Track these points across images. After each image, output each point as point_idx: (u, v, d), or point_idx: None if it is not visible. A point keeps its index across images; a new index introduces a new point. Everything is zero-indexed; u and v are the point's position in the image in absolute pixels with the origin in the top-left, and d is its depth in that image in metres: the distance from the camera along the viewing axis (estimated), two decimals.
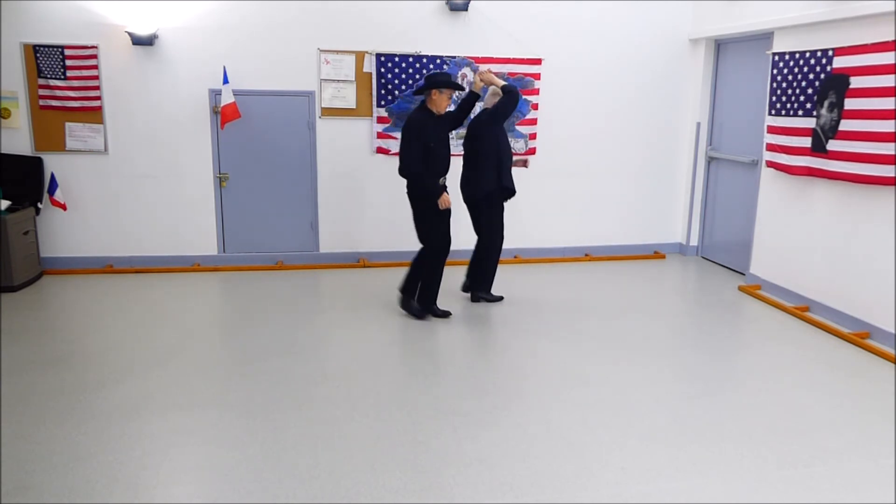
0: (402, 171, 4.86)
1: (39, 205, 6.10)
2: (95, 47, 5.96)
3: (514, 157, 5.48)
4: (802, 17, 5.26)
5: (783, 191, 5.67)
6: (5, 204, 5.72)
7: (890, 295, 4.64)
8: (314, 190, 6.55)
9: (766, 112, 5.71)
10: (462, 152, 5.34)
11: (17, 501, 2.81)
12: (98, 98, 6.04)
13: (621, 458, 3.21)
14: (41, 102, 5.99)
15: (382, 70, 6.35)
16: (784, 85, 5.46)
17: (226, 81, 5.99)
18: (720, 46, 6.74)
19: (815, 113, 5.13)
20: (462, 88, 5.06)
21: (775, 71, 5.58)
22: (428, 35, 6.39)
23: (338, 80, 6.35)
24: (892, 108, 4.45)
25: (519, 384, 4.05)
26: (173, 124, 6.22)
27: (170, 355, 4.38)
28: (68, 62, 5.94)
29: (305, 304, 5.57)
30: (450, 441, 3.33)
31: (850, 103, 4.78)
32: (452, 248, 5.08)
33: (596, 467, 3.12)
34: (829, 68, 4.98)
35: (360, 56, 6.33)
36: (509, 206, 5.40)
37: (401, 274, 6.29)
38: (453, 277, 5.69)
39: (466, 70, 6.45)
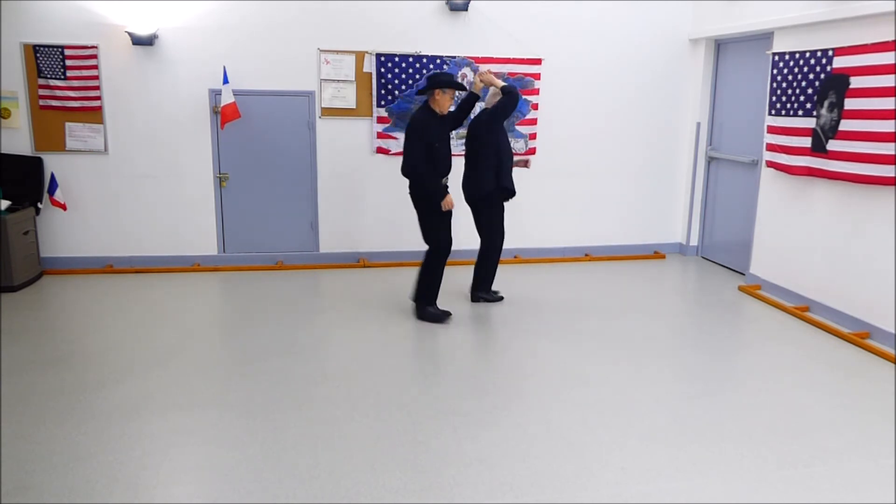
0: (406, 171, 4.86)
1: (39, 205, 6.10)
2: (95, 47, 5.96)
3: (515, 158, 5.47)
4: (802, 17, 5.26)
5: (783, 191, 5.67)
6: (5, 204, 5.72)
7: (890, 295, 4.64)
8: (314, 190, 6.55)
9: (766, 112, 5.71)
10: (463, 152, 5.35)
11: (17, 501, 2.81)
12: (98, 98, 6.04)
13: (621, 458, 3.21)
14: (41, 102, 5.99)
15: (382, 70, 6.35)
16: (784, 85, 5.46)
17: (226, 81, 5.99)
18: (720, 46, 6.74)
19: (815, 113, 5.13)
20: (464, 88, 5.07)
21: (775, 71, 5.58)
22: (428, 35, 6.39)
23: (338, 80, 6.35)
24: (892, 108, 4.45)
25: (519, 384, 4.06)
26: (173, 124, 6.22)
27: (170, 355, 4.38)
28: (68, 62, 5.94)
29: (305, 304, 5.57)
30: (450, 441, 3.33)
31: (850, 103, 4.78)
32: (453, 247, 5.07)
33: (596, 467, 3.12)
34: (829, 68, 4.98)
35: (360, 56, 6.33)
36: (509, 206, 5.40)
37: (401, 274, 6.32)
38: (454, 277, 5.69)
39: (466, 70, 6.45)
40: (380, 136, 6.49)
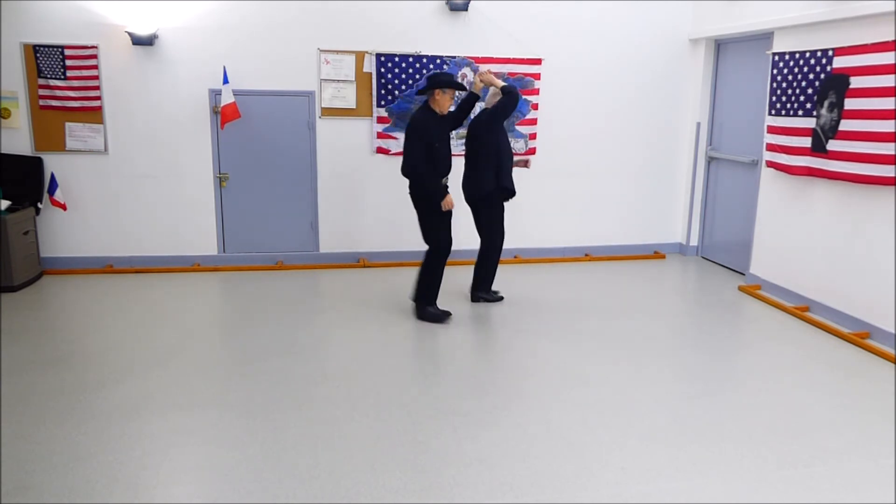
0: (407, 172, 4.86)
1: (39, 205, 6.10)
2: (95, 47, 5.96)
3: (516, 158, 5.47)
4: (802, 17, 5.26)
5: (783, 191, 5.67)
6: (5, 204, 5.72)
7: (890, 295, 4.64)
8: (314, 190, 6.55)
9: (766, 112, 5.71)
10: (463, 152, 5.35)
11: (17, 501, 2.81)
12: (98, 98, 6.04)
13: (621, 458, 3.21)
14: (41, 102, 5.99)
15: (382, 70, 6.35)
16: (784, 85, 5.46)
17: (226, 81, 5.99)
18: (720, 46, 6.74)
19: (815, 113, 5.13)
20: (465, 88, 5.07)
21: (775, 71, 5.58)
22: (428, 35, 6.39)
23: (338, 80, 6.35)
24: (892, 108, 4.45)
25: (519, 384, 4.06)
26: (173, 124, 6.22)
27: (170, 355, 4.38)
28: (68, 62, 5.94)
29: (305, 304, 5.57)
30: (450, 441, 3.33)
31: (850, 103, 4.78)
32: (453, 247, 5.07)
33: (596, 467, 3.12)
34: (829, 68, 4.98)
35: (360, 56, 6.33)
36: (509, 206, 5.40)
37: (401, 274, 6.33)
38: (454, 277, 5.69)
39: (466, 70, 6.46)
40: (380, 136, 6.49)
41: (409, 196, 5.00)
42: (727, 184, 6.74)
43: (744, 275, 6.34)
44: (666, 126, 7.07)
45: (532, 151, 6.78)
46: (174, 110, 6.19)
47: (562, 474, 3.06)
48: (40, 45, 5.88)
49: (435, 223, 4.91)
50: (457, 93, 5.18)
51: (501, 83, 5.07)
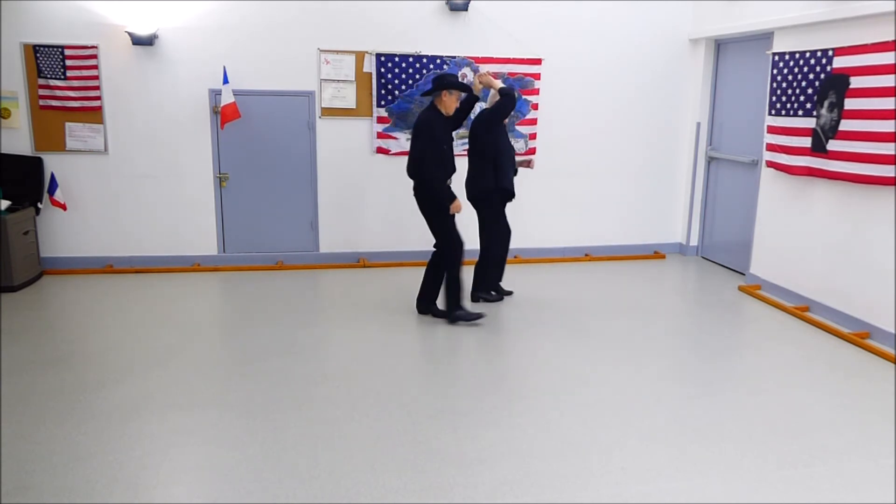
0: (414, 172, 4.84)
1: (39, 205, 6.10)
2: (95, 47, 5.96)
3: (519, 158, 5.48)
4: (802, 17, 5.26)
5: (783, 191, 5.67)
6: (5, 204, 5.72)
7: (890, 295, 4.64)
8: (314, 190, 6.55)
9: (766, 112, 5.71)
10: (464, 152, 5.35)
11: (17, 501, 2.81)
12: (98, 98, 6.04)
13: (621, 458, 3.21)
14: (41, 102, 5.99)
15: (382, 70, 6.35)
16: (784, 85, 5.46)
17: (226, 81, 5.99)
18: (720, 46, 6.74)
19: (815, 113, 5.13)
20: (471, 90, 5.07)
21: (775, 71, 5.58)
22: (428, 35, 6.40)
23: (338, 80, 6.35)
24: (892, 108, 4.45)
25: (519, 384, 4.06)
26: (173, 124, 6.22)
27: (170, 355, 4.38)
28: (68, 62, 5.94)
29: (305, 304, 5.57)
30: (450, 441, 3.33)
31: (850, 103, 4.78)
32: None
33: (596, 467, 3.12)
34: (829, 68, 4.98)
35: (360, 56, 6.33)
36: (509, 205, 5.40)
37: (401, 274, 6.33)
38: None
39: (466, 70, 6.46)
40: (380, 136, 6.49)
41: (413, 198, 4.97)
42: (727, 184, 6.74)
43: (744, 275, 6.34)
44: (666, 126, 7.07)
45: (532, 151, 6.78)
46: (174, 110, 6.20)
47: (562, 474, 3.06)
48: (40, 45, 5.89)
49: (443, 224, 4.89)
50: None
51: (500, 84, 5.07)
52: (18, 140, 6.03)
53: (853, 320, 4.94)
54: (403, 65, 6.38)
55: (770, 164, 5.71)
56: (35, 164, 6.05)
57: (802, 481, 3.04)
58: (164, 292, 5.76)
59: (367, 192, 6.62)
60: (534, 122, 6.75)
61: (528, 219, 6.79)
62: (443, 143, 4.78)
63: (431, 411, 3.65)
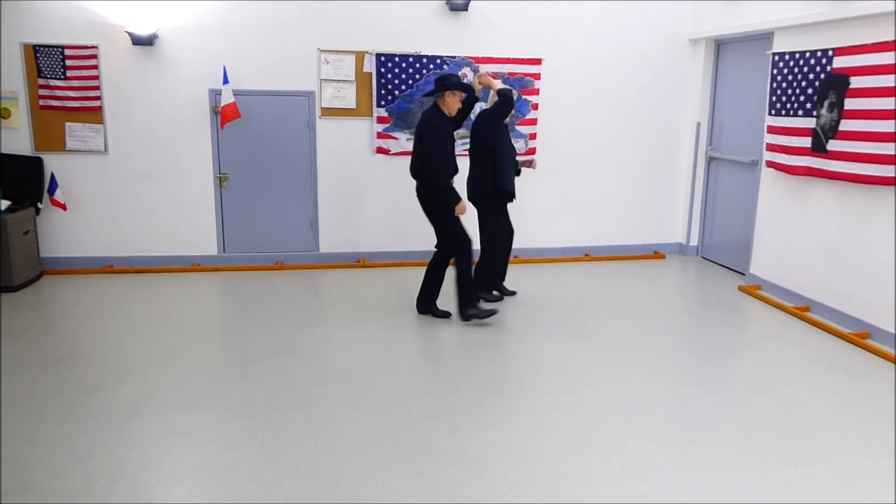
0: (419, 172, 4.84)
1: (39, 205, 6.10)
2: (95, 47, 5.96)
3: (521, 158, 5.48)
4: (802, 17, 5.26)
5: (783, 191, 5.67)
6: (5, 204, 5.72)
7: (890, 295, 4.64)
8: (314, 190, 6.56)
9: (766, 112, 5.71)
10: (466, 152, 5.35)
11: (17, 501, 2.81)
12: (98, 98, 6.04)
13: (621, 458, 3.21)
14: (41, 102, 5.99)
15: (382, 70, 6.35)
16: (784, 85, 5.46)
17: (226, 81, 5.99)
18: (720, 46, 6.74)
19: (815, 113, 5.13)
20: (474, 91, 5.08)
21: (775, 71, 5.58)
22: (428, 35, 6.40)
23: (338, 80, 6.35)
24: (892, 108, 4.45)
25: (519, 384, 4.06)
26: (173, 124, 6.22)
27: (170, 355, 4.38)
28: (68, 62, 5.94)
29: (305, 304, 5.57)
30: (450, 441, 3.33)
31: (850, 103, 4.78)
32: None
33: (596, 467, 3.12)
34: (829, 68, 4.98)
35: (360, 56, 6.33)
36: (509, 205, 5.39)
37: (401, 274, 6.33)
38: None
39: (466, 70, 6.46)
40: (380, 136, 6.49)
41: (413, 198, 4.97)
42: (727, 184, 6.74)
43: (744, 275, 6.34)
44: (666, 126, 7.07)
45: (532, 151, 6.78)
46: (174, 110, 6.20)
47: (562, 474, 3.06)
48: (40, 45, 5.89)
49: (449, 223, 4.89)
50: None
51: (499, 85, 5.06)
52: (18, 140, 6.03)
53: (853, 320, 4.94)
54: (403, 65, 6.38)
55: (770, 164, 5.71)
56: (35, 164, 6.05)
57: (802, 481, 3.04)
58: (164, 292, 5.76)
59: (367, 192, 6.63)
60: (534, 122, 6.75)
61: (528, 219, 6.79)
62: (447, 144, 4.80)
63: (431, 411, 3.65)
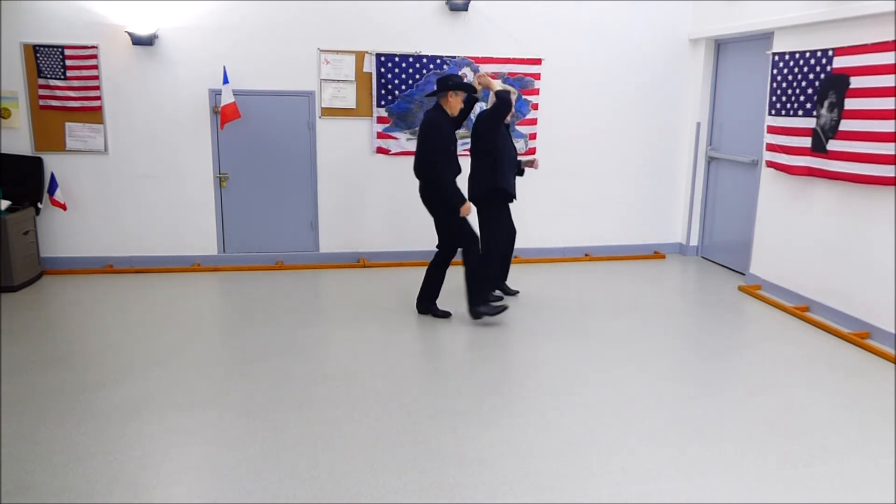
0: (423, 171, 4.84)
1: (39, 205, 6.10)
2: (95, 47, 5.96)
3: (525, 158, 5.47)
4: (802, 17, 5.26)
5: (783, 191, 5.67)
6: (5, 204, 5.72)
7: (890, 295, 4.64)
8: (314, 190, 6.55)
9: (766, 112, 5.71)
10: (467, 152, 5.36)
11: (17, 501, 2.81)
12: (98, 98, 6.04)
13: (621, 458, 3.21)
14: (41, 102, 5.99)
15: (382, 70, 6.35)
16: (784, 85, 5.46)
17: (226, 81, 5.99)
18: (720, 46, 6.74)
19: (815, 113, 5.13)
20: (476, 91, 5.08)
21: (775, 71, 5.58)
22: (428, 35, 6.40)
23: (338, 80, 6.35)
24: (892, 108, 4.45)
25: (519, 384, 4.06)
26: (173, 124, 6.22)
27: (170, 355, 4.38)
28: (68, 62, 5.94)
29: (305, 304, 5.57)
30: (450, 441, 3.33)
31: (850, 103, 4.78)
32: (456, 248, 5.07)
33: (596, 467, 3.12)
34: (829, 68, 4.98)
35: (360, 56, 6.33)
36: (510, 205, 5.39)
37: (401, 274, 6.33)
38: (455, 277, 5.68)
39: (466, 70, 6.46)
40: (380, 136, 6.49)
41: (414, 197, 4.96)
42: (727, 184, 6.74)
43: (744, 275, 6.34)
44: (666, 126, 7.07)
45: (532, 151, 6.78)
46: (174, 110, 6.20)
47: (562, 474, 3.06)
48: (40, 45, 5.89)
49: (454, 222, 4.88)
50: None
51: (498, 87, 5.05)
52: (18, 140, 6.03)
53: (853, 320, 4.94)
54: (403, 65, 6.38)
55: (770, 164, 5.71)
56: (35, 164, 6.05)
57: (802, 481, 3.04)
58: (164, 292, 5.76)
59: (367, 192, 6.62)
60: (534, 122, 6.75)
61: (528, 219, 6.78)
62: (450, 144, 4.81)
63: (431, 411, 3.65)
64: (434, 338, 4.82)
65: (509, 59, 6.55)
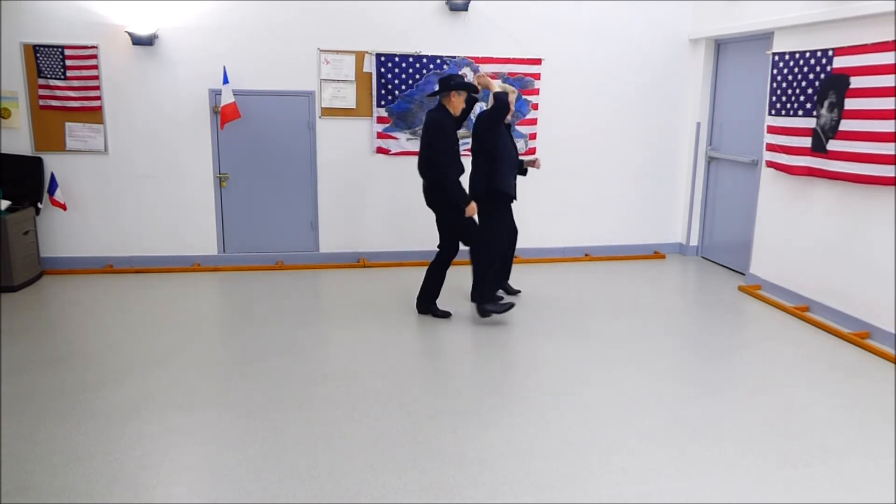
0: (428, 169, 4.84)
1: (39, 205, 6.10)
2: (95, 47, 5.96)
3: (527, 157, 5.47)
4: (802, 17, 5.26)
5: (783, 191, 5.67)
6: (5, 204, 5.72)
7: (890, 295, 4.64)
8: (314, 190, 6.55)
9: (766, 112, 5.71)
10: (467, 152, 5.36)
11: (17, 501, 2.81)
12: (98, 98, 6.04)
13: (621, 458, 3.21)
14: (41, 102, 5.99)
15: (382, 70, 6.35)
16: (784, 85, 5.46)
17: (226, 81, 5.99)
18: (720, 46, 6.74)
19: (815, 113, 5.13)
20: (478, 91, 5.09)
21: (775, 71, 5.58)
22: (428, 35, 6.40)
23: (338, 80, 6.35)
24: (892, 108, 4.45)
25: (519, 384, 4.06)
26: (173, 124, 6.22)
27: (170, 355, 4.38)
28: (68, 62, 5.94)
29: (305, 304, 5.57)
30: (450, 441, 3.33)
31: (850, 103, 4.78)
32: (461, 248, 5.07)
33: (596, 467, 3.12)
34: (829, 68, 4.98)
35: (360, 56, 6.33)
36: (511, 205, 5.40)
37: (401, 274, 6.33)
38: (455, 277, 5.68)
39: (466, 70, 6.46)
40: (380, 136, 6.49)
41: (414, 197, 4.96)
42: (727, 184, 6.74)
43: (744, 275, 6.34)
44: (666, 126, 7.07)
45: (532, 151, 6.78)
46: (174, 110, 6.20)
47: (562, 474, 3.06)
48: (40, 45, 5.88)
49: (457, 222, 4.89)
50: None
51: (497, 87, 5.05)
52: (18, 140, 6.03)
53: (853, 320, 4.94)
54: (403, 65, 6.38)
55: (770, 164, 5.71)
56: (35, 164, 6.05)
57: (802, 481, 3.04)
58: (164, 292, 5.76)
59: (367, 192, 6.62)
60: (534, 122, 6.75)
61: (528, 219, 6.77)
62: (454, 143, 4.81)
63: (431, 411, 3.65)
64: (434, 338, 4.82)
65: (509, 59, 6.55)
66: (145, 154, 6.24)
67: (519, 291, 5.72)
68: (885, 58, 4.50)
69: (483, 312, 5.01)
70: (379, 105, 6.42)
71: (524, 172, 5.54)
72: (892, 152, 4.47)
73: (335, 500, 2.85)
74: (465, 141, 5.82)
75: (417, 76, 6.41)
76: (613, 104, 6.90)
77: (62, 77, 5.95)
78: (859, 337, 4.75)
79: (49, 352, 4.42)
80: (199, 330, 4.90)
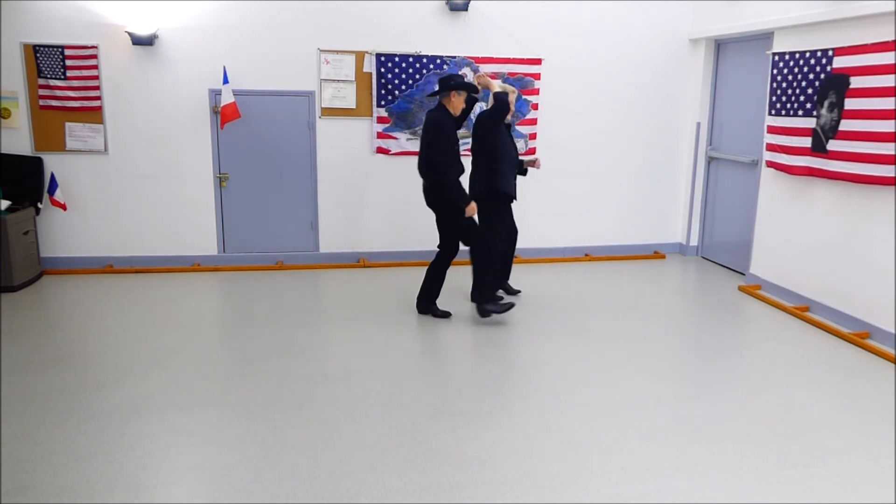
0: (428, 169, 4.84)
1: (39, 205, 6.10)
2: (95, 47, 5.96)
3: (527, 157, 5.47)
4: (802, 17, 5.26)
5: (783, 191, 5.67)
6: (5, 204, 5.72)
7: (890, 295, 4.64)
8: (314, 190, 6.56)
9: (766, 112, 5.71)
10: (467, 152, 5.36)
11: (17, 501, 2.81)
12: (98, 98, 6.04)
13: (621, 458, 3.21)
14: (41, 102, 5.99)
15: (382, 70, 6.35)
16: (784, 85, 5.46)
17: (226, 81, 5.99)
18: (720, 46, 6.74)
19: (815, 113, 5.13)
20: (478, 91, 5.09)
21: (775, 71, 5.58)
22: (428, 35, 6.40)
23: (338, 80, 6.35)
24: (892, 108, 4.45)
25: (519, 384, 4.06)
26: (173, 124, 6.22)
27: (170, 355, 4.38)
28: (68, 62, 5.94)
29: (305, 304, 5.57)
30: (450, 441, 3.33)
31: (850, 103, 4.78)
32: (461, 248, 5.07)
33: (596, 467, 3.12)
34: (829, 68, 4.98)
35: (360, 56, 6.33)
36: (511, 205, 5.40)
37: (401, 274, 6.33)
38: (455, 277, 5.68)
39: (466, 70, 6.46)
40: (380, 136, 6.49)
41: (417, 198, 4.96)
42: (727, 184, 6.74)
43: (744, 275, 6.34)
44: (666, 126, 7.07)
45: (532, 151, 6.78)
46: (174, 110, 6.20)
47: (562, 474, 3.06)
48: (40, 45, 5.88)
49: (458, 222, 4.89)
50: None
51: (497, 88, 5.05)
52: (18, 140, 6.03)
53: (853, 320, 4.94)
54: (403, 65, 6.38)
55: (770, 164, 5.71)
56: (35, 164, 6.05)
57: (802, 481, 3.04)
58: (164, 292, 5.76)
59: (367, 192, 6.62)
60: (534, 122, 6.75)
61: (528, 219, 6.77)
62: (455, 143, 4.81)
63: (431, 411, 3.65)
64: (434, 338, 4.82)
65: (509, 59, 6.55)
66: (145, 154, 6.24)
67: (519, 291, 5.72)
68: (885, 58, 4.50)
69: (483, 312, 5.01)
70: (379, 105, 6.42)
71: (524, 172, 5.54)
72: (892, 152, 4.47)
73: (335, 500, 2.85)
74: (465, 141, 5.82)
75: (417, 76, 6.41)
76: (613, 104, 6.90)
77: (62, 77, 5.95)
78: (859, 337, 4.75)
79: (49, 352, 4.42)
80: (199, 330, 4.90)
